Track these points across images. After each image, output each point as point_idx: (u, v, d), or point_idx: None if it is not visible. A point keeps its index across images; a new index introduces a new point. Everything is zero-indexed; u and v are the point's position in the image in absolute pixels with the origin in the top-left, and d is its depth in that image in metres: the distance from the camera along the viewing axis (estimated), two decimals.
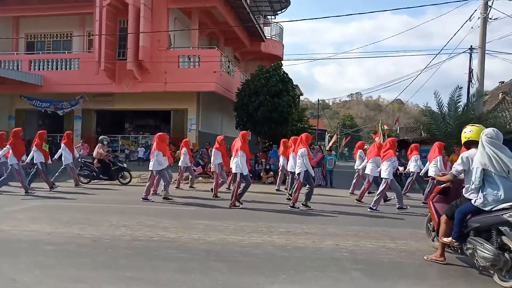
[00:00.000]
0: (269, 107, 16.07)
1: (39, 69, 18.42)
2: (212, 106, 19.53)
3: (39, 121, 20.50)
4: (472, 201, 4.16)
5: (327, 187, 13.79)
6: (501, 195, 3.90)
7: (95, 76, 17.16)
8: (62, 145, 11.75)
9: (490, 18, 14.28)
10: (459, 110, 14.18)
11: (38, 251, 4.68)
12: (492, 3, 14.14)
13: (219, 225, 6.46)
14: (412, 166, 10.80)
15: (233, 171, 8.63)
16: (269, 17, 27.49)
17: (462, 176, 4.47)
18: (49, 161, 11.06)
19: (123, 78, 17.29)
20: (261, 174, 14.72)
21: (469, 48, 17.23)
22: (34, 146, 10.51)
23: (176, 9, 18.01)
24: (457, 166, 4.42)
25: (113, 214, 7.19)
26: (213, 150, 10.44)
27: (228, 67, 19.48)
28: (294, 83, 18.21)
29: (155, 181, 9.44)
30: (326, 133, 31.83)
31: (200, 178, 14.07)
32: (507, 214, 3.77)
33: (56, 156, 11.88)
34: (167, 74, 16.96)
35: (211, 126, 19.58)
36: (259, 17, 24.12)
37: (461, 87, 14.57)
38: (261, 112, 16.09)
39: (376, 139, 15.96)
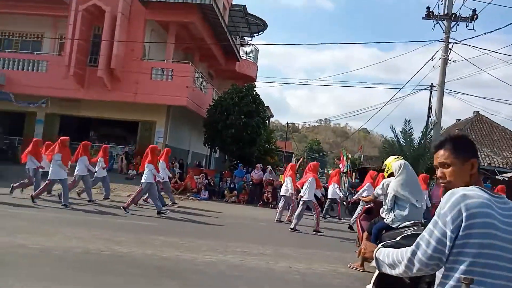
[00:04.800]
0: (240, 127, 16.23)
1: (3, 67, 17.71)
2: (182, 121, 19.44)
3: None
4: (385, 220, 4.92)
5: (288, 209, 13.93)
6: (405, 215, 4.73)
7: (62, 80, 16.70)
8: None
9: (450, 60, 15.31)
10: (415, 142, 15.10)
11: None
12: (452, 46, 15.22)
13: (176, 242, 6.38)
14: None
15: (305, 198, 8.71)
16: (245, 38, 28.03)
17: (382, 198, 5.26)
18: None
19: (93, 85, 16.96)
20: (225, 192, 14.68)
21: (430, 86, 18.27)
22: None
23: (154, 21, 18.04)
24: (378, 190, 5.33)
25: (68, 225, 6.93)
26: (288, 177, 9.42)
27: (201, 83, 19.58)
28: (266, 105, 18.56)
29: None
30: (293, 156, 32.29)
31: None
32: (408, 231, 4.55)
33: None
34: (138, 85, 16.79)
35: (179, 141, 19.44)
36: (236, 37, 24.54)
37: (409, 121, 15.60)
38: (231, 131, 16.20)
39: (340, 165, 16.41)
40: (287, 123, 41.80)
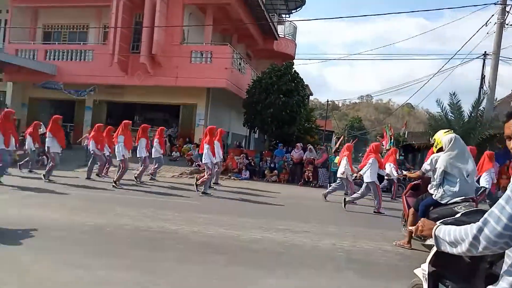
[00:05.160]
0: (280, 106, 16.15)
1: (54, 59, 18.75)
2: (221, 102, 19.65)
3: (51, 110, 20.87)
4: (433, 196, 4.82)
5: None
6: (455, 191, 4.59)
7: (108, 68, 17.40)
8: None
9: (507, 24, 14.11)
10: (464, 116, 14.28)
11: (42, 236, 4.83)
12: (510, 9, 13.97)
13: (220, 219, 6.57)
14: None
15: (367, 180, 8.56)
16: (283, 15, 27.47)
17: (430, 174, 5.09)
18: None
19: (136, 71, 17.52)
20: (266, 172, 14.81)
21: (483, 54, 17.01)
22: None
23: (192, 4, 18.15)
24: (426, 166, 5.13)
25: (118, 204, 7.34)
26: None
27: (240, 64, 19.58)
28: (305, 83, 18.25)
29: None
30: (334, 135, 31.65)
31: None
32: (458, 207, 4.39)
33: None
34: (178, 69, 17.13)
35: (219, 122, 19.64)
36: (274, 15, 24.12)
37: (454, 93, 14.71)
38: (271, 111, 16.17)
39: (383, 142, 15.92)
40: (327, 101, 40.92)
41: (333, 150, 17.72)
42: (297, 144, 15.58)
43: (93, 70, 17.91)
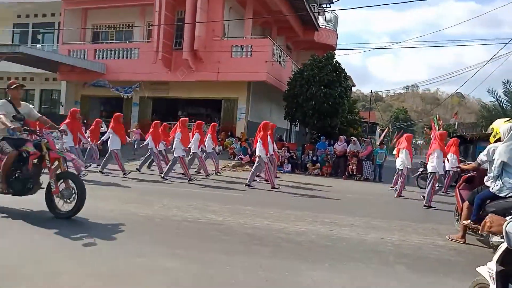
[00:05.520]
0: (321, 98, 15.89)
1: (102, 58, 19.70)
2: (262, 96, 19.69)
3: (101, 107, 22.02)
4: (490, 188, 4.58)
5: (375, 181, 13.46)
6: None
7: (152, 65, 18.00)
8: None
9: None
10: None
11: (101, 226, 5.11)
12: None
13: (265, 212, 6.61)
14: None
15: (429, 171, 8.39)
16: (324, 5, 26.91)
17: (486, 165, 4.82)
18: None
19: (179, 67, 17.98)
20: (308, 165, 14.69)
21: None
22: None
23: None
24: (482, 157, 4.85)
25: (167, 196, 7.62)
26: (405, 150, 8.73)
27: (280, 56, 19.47)
28: (347, 74, 17.81)
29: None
30: (378, 127, 30.60)
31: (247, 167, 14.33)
32: None
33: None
34: (220, 64, 17.35)
35: (260, 116, 19.77)
36: (314, 5, 23.71)
37: (509, 82, 13.70)
38: (312, 104, 15.96)
39: (431, 134, 15.18)
40: (371, 92, 39.67)
41: (377, 143, 17.23)
42: (340, 136, 15.29)
43: (139, 67, 18.63)
